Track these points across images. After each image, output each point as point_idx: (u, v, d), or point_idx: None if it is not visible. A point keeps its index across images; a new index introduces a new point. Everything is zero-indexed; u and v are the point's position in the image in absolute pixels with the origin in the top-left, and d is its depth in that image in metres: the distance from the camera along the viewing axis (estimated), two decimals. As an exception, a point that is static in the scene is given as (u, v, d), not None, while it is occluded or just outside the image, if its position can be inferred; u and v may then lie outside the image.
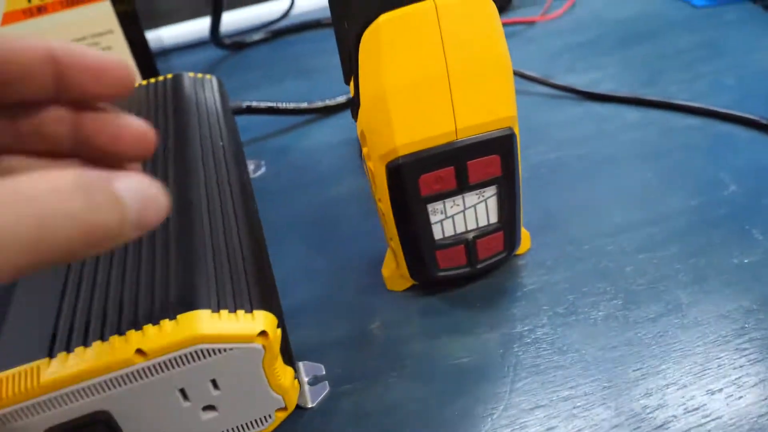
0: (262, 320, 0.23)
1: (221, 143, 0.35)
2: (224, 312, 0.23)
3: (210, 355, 0.23)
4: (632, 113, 0.45)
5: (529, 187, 0.39)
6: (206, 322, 0.22)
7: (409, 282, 0.33)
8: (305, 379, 0.29)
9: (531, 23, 0.63)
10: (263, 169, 0.46)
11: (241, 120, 0.52)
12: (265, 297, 0.24)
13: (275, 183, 0.44)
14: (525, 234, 0.34)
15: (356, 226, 0.38)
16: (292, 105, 0.50)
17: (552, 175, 0.40)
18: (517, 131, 0.29)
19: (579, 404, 0.26)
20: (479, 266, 0.32)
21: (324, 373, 0.30)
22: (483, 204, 0.31)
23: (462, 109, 0.27)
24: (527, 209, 0.36)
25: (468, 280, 0.33)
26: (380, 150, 0.28)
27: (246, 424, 0.25)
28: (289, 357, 0.26)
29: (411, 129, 0.28)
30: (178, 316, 0.22)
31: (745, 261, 0.31)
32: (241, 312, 0.23)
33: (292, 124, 0.52)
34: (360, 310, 0.33)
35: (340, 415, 0.28)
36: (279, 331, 0.24)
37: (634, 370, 0.27)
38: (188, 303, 0.23)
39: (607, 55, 0.54)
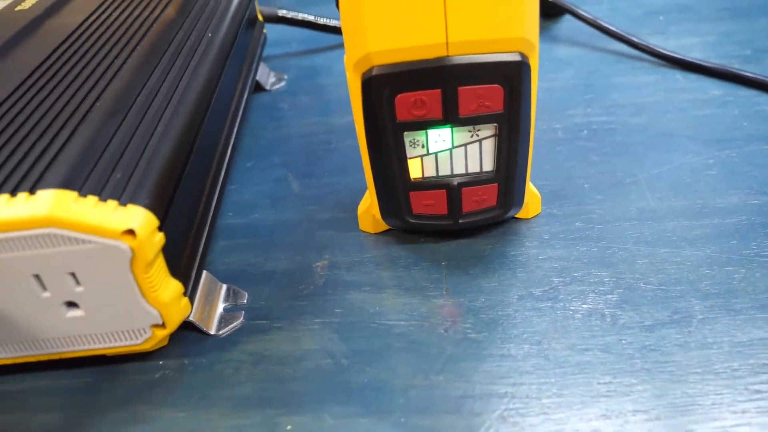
0: (134, 217, 0.19)
1: (208, 35, 0.31)
2: (92, 198, 0.19)
3: (66, 243, 0.19)
4: (716, 88, 0.37)
5: (557, 149, 0.33)
6: (63, 204, 0.19)
7: (383, 226, 0.28)
8: (222, 305, 0.25)
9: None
10: (282, 84, 0.42)
11: (283, 32, 0.48)
12: (155, 196, 0.20)
13: (288, 101, 0.40)
14: (534, 196, 0.28)
15: (346, 160, 0.34)
16: (333, 22, 0.46)
17: (590, 140, 0.33)
18: (534, 62, 0.23)
19: (513, 406, 0.21)
20: (462, 221, 0.26)
21: (245, 302, 0.26)
22: (476, 145, 0.25)
23: (457, 19, 0.22)
24: (545, 173, 0.30)
25: (448, 236, 0.28)
26: (354, 56, 0.23)
27: (116, 332, 0.22)
28: (184, 271, 0.22)
29: (390, 33, 0.22)
30: (38, 192, 0.19)
31: (799, 283, 0.24)
32: (112, 203, 0.19)
33: (333, 44, 0.47)
34: (313, 246, 0.28)
35: (238, 352, 0.24)
36: (160, 235, 0.20)
37: (599, 383, 0.21)
38: (54, 180, 0.19)
39: (710, 23, 0.45)
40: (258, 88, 0.42)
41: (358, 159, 0.32)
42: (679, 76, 0.38)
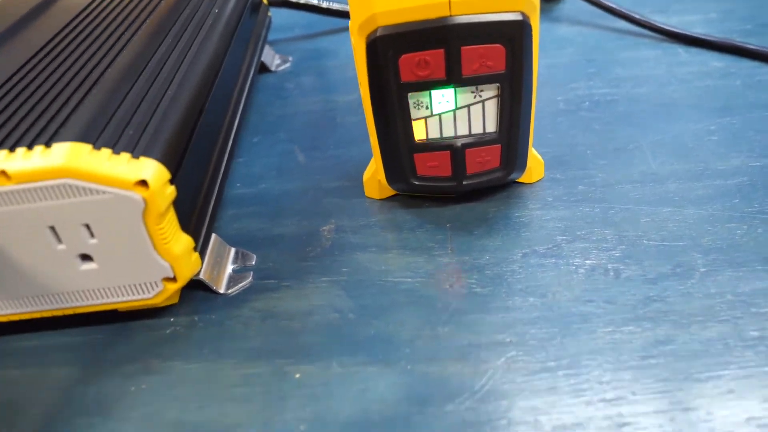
0: (147, 168, 0.20)
1: (215, 11, 0.32)
2: (106, 151, 0.20)
3: (80, 194, 0.20)
4: (718, 61, 0.37)
5: (559, 120, 0.33)
6: (78, 156, 0.19)
7: (389, 192, 0.29)
8: (230, 266, 0.26)
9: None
10: (287, 65, 0.43)
11: (288, 17, 0.49)
12: (167, 151, 0.21)
13: (293, 81, 0.41)
14: (537, 161, 0.29)
15: (352, 133, 0.34)
16: (335, 5, 0.46)
17: (594, 111, 0.34)
18: (535, 22, 0.23)
19: (518, 354, 0.21)
20: (467, 182, 0.27)
21: (254, 263, 0.26)
22: (479, 106, 0.25)
23: (458, -21, 0.22)
24: (548, 141, 0.31)
25: (452, 200, 0.28)
26: (358, 18, 0.24)
27: (129, 286, 0.22)
28: (194, 228, 0.23)
29: (394, -6, 0.23)
30: (53, 144, 0.20)
31: (800, 237, 0.24)
32: (126, 155, 0.20)
33: (336, 28, 0.48)
34: (320, 212, 0.29)
35: (247, 309, 0.24)
36: (171, 188, 0.21)
37: (602, 331, 0.21)
38: (69, 133, 0.20)
39: (710, 1, 0.45)
40: (264, 69, 0.42)
41: (363, 133, 0.33)
42: (681, 51, 0.39)
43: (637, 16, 0.41)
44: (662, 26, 0.40)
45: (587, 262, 0.24)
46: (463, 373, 0.21)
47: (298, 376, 0.21)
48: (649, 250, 0.24)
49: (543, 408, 0.19)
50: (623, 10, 0.42)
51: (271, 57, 0.43)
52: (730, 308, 0.22)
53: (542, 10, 0.47)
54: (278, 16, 0.49)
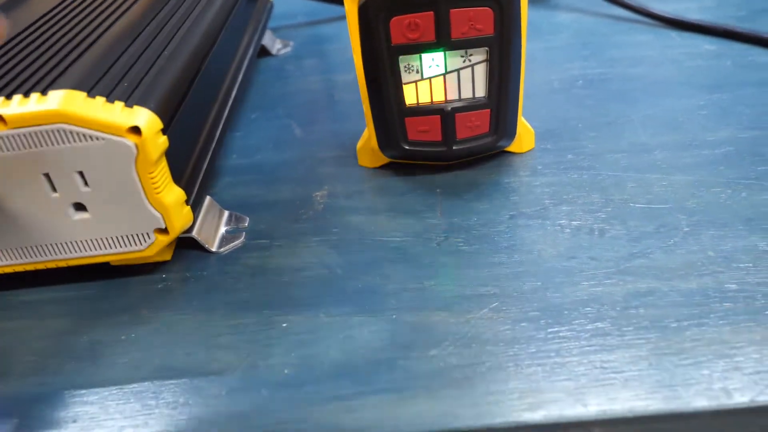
0: (139, 116, 0.20)
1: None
2: (100, 99, 0.20)
3: (75, 140, 0.20)
4: (710, 44, 0.37)
5: (553, 97, 0.34)
6: (72, 102, 0.20)
7: (382, 160, 0.29)
8: (224, 227, 0.26)
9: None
10: (288, 49, 0.44)
11: (290, 5, 0.50)
12: (160, 102, 0.22)
13: (293, 63, 0.42)
14: (528, 130, 0.29)
15: (349, 109, 0.35)
16: (334, -8, 0.47)
17: (587, 89, 0.34)
18: None
19: (501, 304, 0.21)
20: (457, 147, 0.27)
21: (246, 225, 0.27)
22: (469, 70, 0.26)
23: (446, -58, 0.23)
24: (541, 115, 0.31)
25: (443, 168, 0.29)
26: (351, -19, 0.24)
27: (122, 237, 0.23)
28: (187, 182, 0.24)
29: (384, -43, 0.23)
30: (49, 92, 0.20)
31: (784, 200, 0.24)
32: (119, 104, 0.21)
33: (337, 15, 0.48)
34: (314, 179, 0.29)
35: (239, 266, 0.25)
36: (163, 138, 0.21)
37: (585, 283, 0.22)
38: (65, 82, 0.20)
39: (708, -12, 0.45)
40: (265, 53, 0.43)
41: (359, 109, 0.33)
42: (674, 35, 0.39)
43: (631, 3, 0.42)
44: (656, 12, 0.41)
45: (573, 222, 0.25)
46: (447, 321, 0.21)
47: (285, 325, 0.22)
48: (634, 212, 0.25)
49: (524, 354, 0.20)
50: (619, -3, 0.42)
51: (272, 41, 0.44)
52: (711, 263, 0.22)
53: None
54: (280, 4, 0.50)
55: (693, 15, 0.41)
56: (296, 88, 0.38)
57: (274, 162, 0.31)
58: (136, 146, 0.20)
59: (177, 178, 0.23)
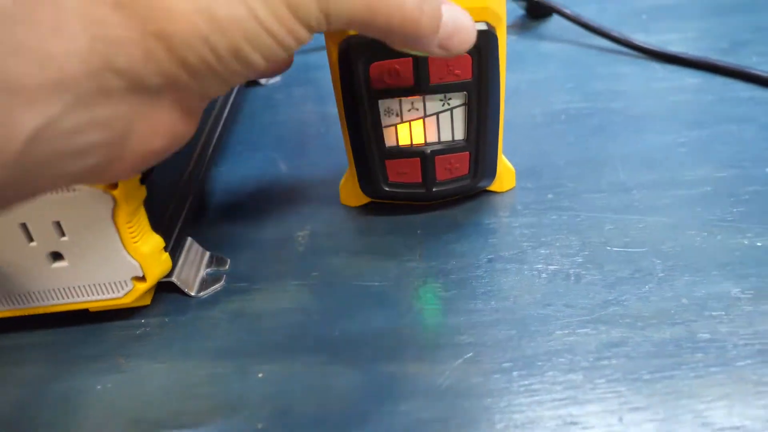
0: (116, 168, 0.20)
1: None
2: (78, 151, 0.20)
3: (51, 191, 0.20)
4: (693, 77, 0.38)
5: (535, 132, 0.34)
6: (49, 154, 0.20)
7: (364, 199, 0.30)
8: (204, 269, 0.26)
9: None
10: (277, 79, 0.44)
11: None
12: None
13: (283, 93, 0.42)
14: (509, 170, 0.29)
15: (336, 142, 0.35)
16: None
17: (569, 123, 0.34)
18: (501, 33, 0.24)
19: (476, 354, 0.21)
20: (437, 189, 0.27)
21: (227, 267, 0.27)
22: (448, 114, 0.26)
23: (423, -9, 0.23)
24: (522, 152, 0.31)
25: (424, 207, 0.29)
26: (330, 28, 0.25)
27: (99, 285, 0.23)
28: (166, 228, 0.24)
29: (363, 6, 0.24)
30: (27, 144, 0.20)
31: (758, 244, 0.25)
32: (96, 155, 0.21)
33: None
34: (296, 216, 0.29)
35: (217, 310, 0.25)
36: (142, 188, 0.21)
37: (559, 332, 0.22)
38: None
39: (692, 20, 0.46)
40: (254, 82, 0.43)
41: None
42: (657, 67, 0.40)
43: (616, 34, 0.42)
44: (640, 44, 0.41)
45: (550, 267, 0.25)
46: (421, 372, 0.21)
47: (261, 375, 0.22)
48: (611, 255, 0.25)
49: (496, 408, 0.20)
50: (603, 29, 0.43)
51: (259, 70, 0.44)
52: (685, 311, 0.22)
53: (529, 28, 0.48)
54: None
55: (676, 46, 0.41)
56: (284, 119, 0.39)
57: (258, 198, 0.31)
58: (114, 198, 0.20)
59: (156, 223, 0.23)
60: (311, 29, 0.17)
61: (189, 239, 0.27)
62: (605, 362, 0.21)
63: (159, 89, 0.16)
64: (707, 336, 0.21)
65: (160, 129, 0.17)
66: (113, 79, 0.15)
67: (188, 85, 0.16)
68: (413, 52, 0.20)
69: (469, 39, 0.20)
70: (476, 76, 0.25)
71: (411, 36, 0.18)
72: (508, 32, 0.47)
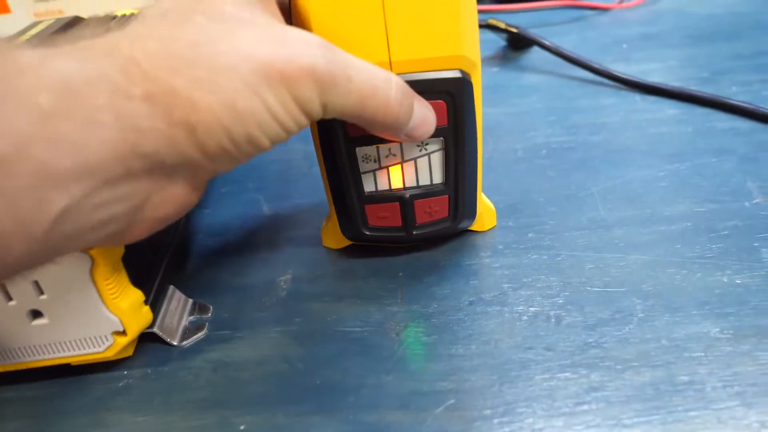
0: (94, 226, 0.21)
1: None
2: (56, 209, 0.21)
3: (29, 252, 0.20)
4: (673, 108, 0.38)
5: (516, 167, 0.34)
6: (27, 214, 0.20)
7: (345, 241, 0.30)
8: (187, 318, 0.26)
9: (604, 10, 0.57)
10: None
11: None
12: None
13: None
14: (489, 210, 0.30)
15: (318, 184, 0.35)
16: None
17: (549, 158, 0.35)
18: (476, 79, 0.25)
19: (457, 401, 0.21)
20: (417, 232, 0.28)
21: (209, 315, 0.27)
22: (425, 159, 0.26)
23: (398, 39, 0.23)
24: (503, 189, 0.32)
25: (406, 249, 0.29)
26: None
27: (80, 340, 0.23)
28: (145, 281, 0.24)
29: (337, 55, 0.24)
30: (5, 204, 0.20)
31: (737, 281, 0.25)
32: (75, 213, 0.21)
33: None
34: (278, 260, 0.30)
35: (200, 360, 0.25)
36: (120, 246, 0.21)
37: (539, 377, 0.22)
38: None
39: (671, 49, 0.47)
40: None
41: (327, 182, 0.34)
42: (638, 98, 0.40)
43: (595, 65, 0.43)
44: (620, 75, 0.42)
45: (531, 309, 0.25)
46: (402, 421, 0.21)
47: (242, 427, 0.22)
48: (591, 296, 0.25)
49: (477, 456, 0.20)
50: (584, 60, 0.44)
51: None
52: (664, 353, 0.22)
53: (510, 59, 0.49)
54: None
55: (659, 75, 0.42)
56: (269, 158, 0.39)
57: (240, 242, 0.31)
58: (92, 257, 0.21)
59: (135, 277, 0.23)
60: (311, 117, 0.19)
61: (171, 287, 0.27)
62: (585, 407, 0.21)
63: (176, 168, 0.18)
64: (686, 378, 0.21)
65: (172, 199, 0.19)
66: (137, 162, 0.16)
67: (203, 165, 0.18)
68: (384, 137, 0.23)
69: (430, 130, 0.23)
70: (452, 121, 0.25)
71: (389, 126, 0.21)
72: (490, 64, 0.48)
